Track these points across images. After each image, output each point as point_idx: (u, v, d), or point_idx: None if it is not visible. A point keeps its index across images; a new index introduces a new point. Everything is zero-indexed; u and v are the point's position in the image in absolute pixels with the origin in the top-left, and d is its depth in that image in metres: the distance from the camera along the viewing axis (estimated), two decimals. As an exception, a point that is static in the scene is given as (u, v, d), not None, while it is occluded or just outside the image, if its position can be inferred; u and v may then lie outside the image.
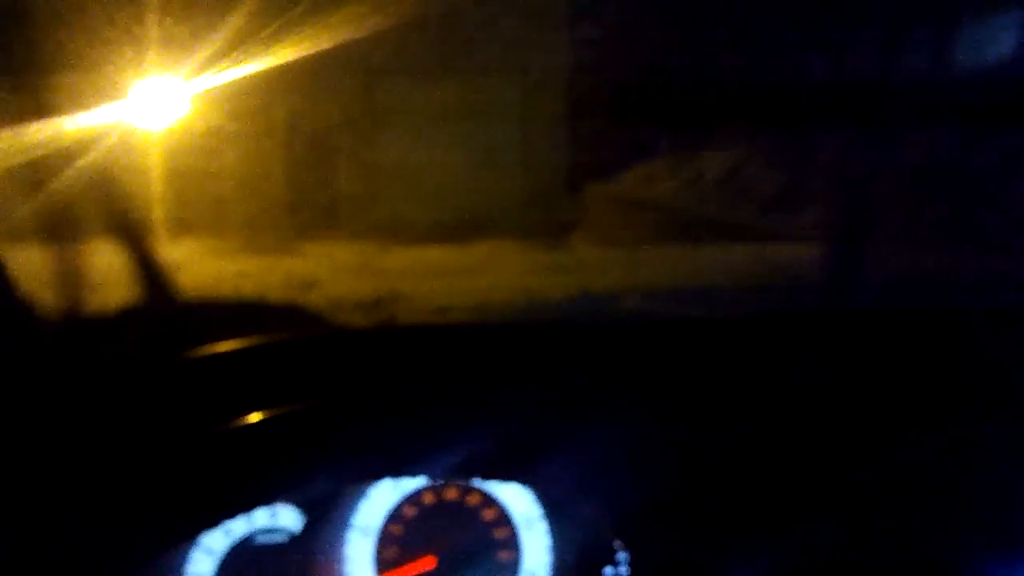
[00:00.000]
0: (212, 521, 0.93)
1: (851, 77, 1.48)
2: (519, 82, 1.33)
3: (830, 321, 1.08)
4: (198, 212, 1.26)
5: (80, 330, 1.03)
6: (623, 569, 1.05)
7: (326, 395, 0.92)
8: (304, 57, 1.13)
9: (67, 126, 1.11)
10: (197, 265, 1.24)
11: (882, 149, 1.51)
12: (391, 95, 1.32)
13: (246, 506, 0.94)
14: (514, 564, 1.06)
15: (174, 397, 0.91)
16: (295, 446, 0.91)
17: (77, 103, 1.12)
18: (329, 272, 1.26)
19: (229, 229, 1.29)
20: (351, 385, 0.94)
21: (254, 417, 0.89)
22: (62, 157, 1.12)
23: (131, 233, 1.22)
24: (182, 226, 1.25)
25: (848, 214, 1.47)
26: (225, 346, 0.94)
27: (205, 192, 1.26)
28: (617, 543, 1.04)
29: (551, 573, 1.06)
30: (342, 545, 1.04)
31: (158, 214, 1.22)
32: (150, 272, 1.15)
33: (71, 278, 1.12)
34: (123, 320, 1.05)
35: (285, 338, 0.97)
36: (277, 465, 0.91)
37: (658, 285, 1.28)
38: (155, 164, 1.21)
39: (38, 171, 1.13)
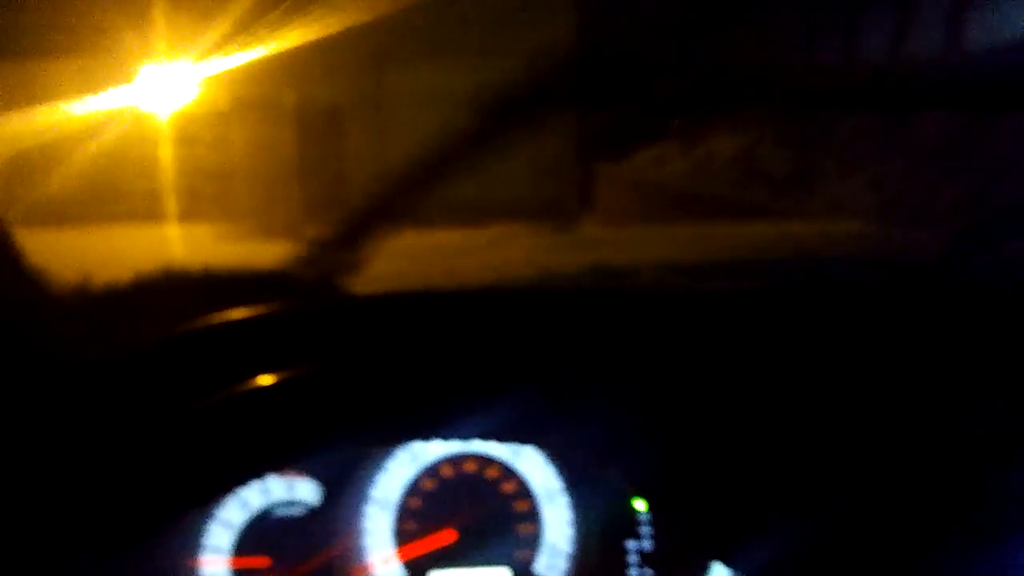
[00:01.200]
0: (226, 487, 0.92)
1: (863, 58, 1.48)
2: (529, 64, 1.33)
3: (841, 295, 1.07)
4: (208, 197, 1.26)
5: (92, 306, 1.02)
6: (646, 542, 1.03)
7: (341, 360, 0.91)
8: (312, 42, 1.13)
9: (78, 111, 1.11)
10: (208, 248, 1.23)
11: (893, 130, 1.51)
12: (400, 79, 1.32)
13: (260, 471, 0.93)
14: (535, 537, 1.04)
15: (187, 362, 0.90)
16: (309, 410, 0.89)
17: (87, 88, 1.12)
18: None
19: (239, 213, 1.29)
20: (366, 350, 0.92)
21: (266, 380, 0.87)
22: (72, 142, 1.12)
23: (140, 217, 1.21)
24: (192, 211, 1.24)
25: (859, 194, 1.47)
26: (239, 313, 0.93)
27: (215, 177, 1.25)
28: (640, 516, 1.03)
29: (572, 546, 1.04)
30: (361, 518, 1.02)
31: (168, 199, 1.22)
32: (160, 253, 1.15)
33: (80, 258, 1.11)
34: (132, 297, 1.04)
35: (299, 304, 0.96)
36: (290, 428, 0.89)
37: (668, 263, 1.27)
38: (164, 149, 1.21)
39: (49, 155, 1.13)
